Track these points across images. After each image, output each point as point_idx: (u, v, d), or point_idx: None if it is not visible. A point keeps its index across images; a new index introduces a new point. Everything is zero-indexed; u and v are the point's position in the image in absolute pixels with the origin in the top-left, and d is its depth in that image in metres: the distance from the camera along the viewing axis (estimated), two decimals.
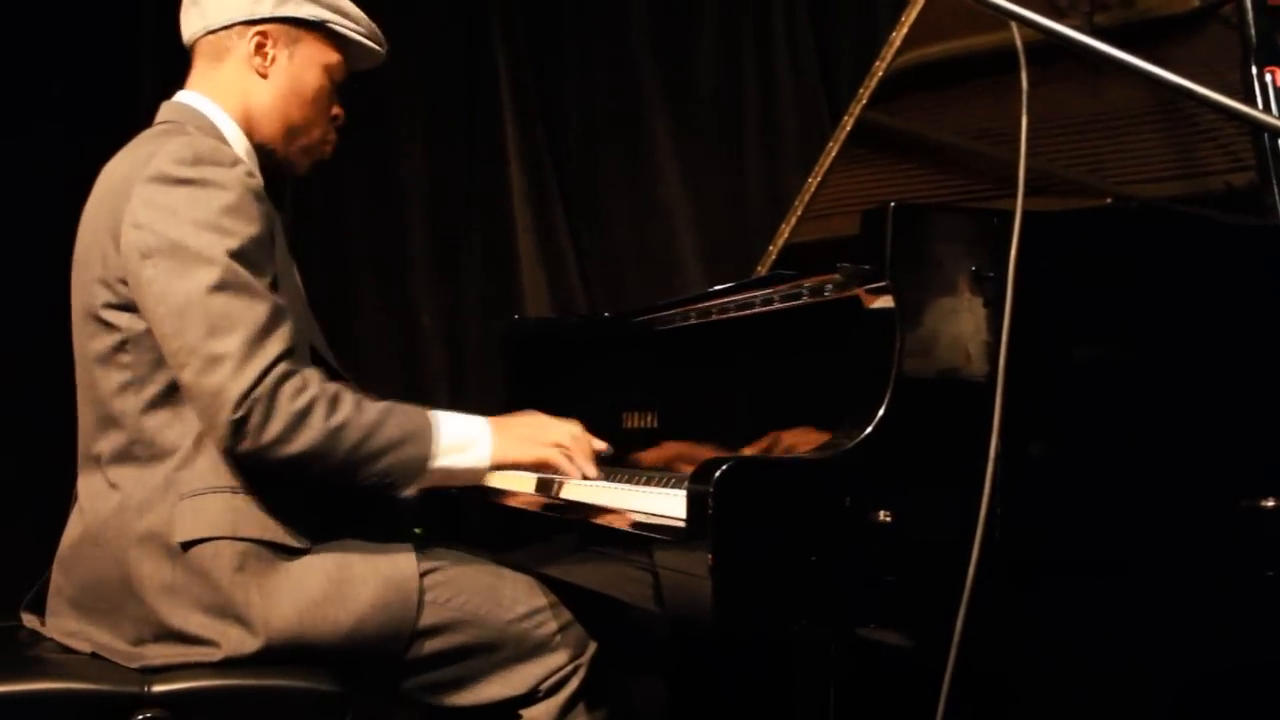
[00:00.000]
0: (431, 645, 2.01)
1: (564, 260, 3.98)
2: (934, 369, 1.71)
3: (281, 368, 1.88)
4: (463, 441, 2.03)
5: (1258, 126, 1.88)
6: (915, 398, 1.69)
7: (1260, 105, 1.98)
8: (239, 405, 1.85)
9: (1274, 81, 2.00)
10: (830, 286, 1.85)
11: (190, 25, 2.16)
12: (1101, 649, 1.76)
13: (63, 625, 2.01)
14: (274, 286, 1.97)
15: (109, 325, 1.97)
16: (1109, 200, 2.18)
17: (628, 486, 2.05)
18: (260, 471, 1.92)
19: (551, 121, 4.03)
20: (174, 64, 2.22)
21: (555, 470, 2.12)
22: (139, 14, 3.83)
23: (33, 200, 3.48)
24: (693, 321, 2.23)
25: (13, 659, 1.96)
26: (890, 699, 2.07)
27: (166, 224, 1.91)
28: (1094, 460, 1.76)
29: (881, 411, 1.67)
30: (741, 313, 2.09)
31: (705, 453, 2.14)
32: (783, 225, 2.83)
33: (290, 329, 1.93)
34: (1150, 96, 2.10)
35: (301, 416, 1.88)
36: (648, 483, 2.03)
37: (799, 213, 2.78)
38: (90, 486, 2.01)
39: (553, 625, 2.08)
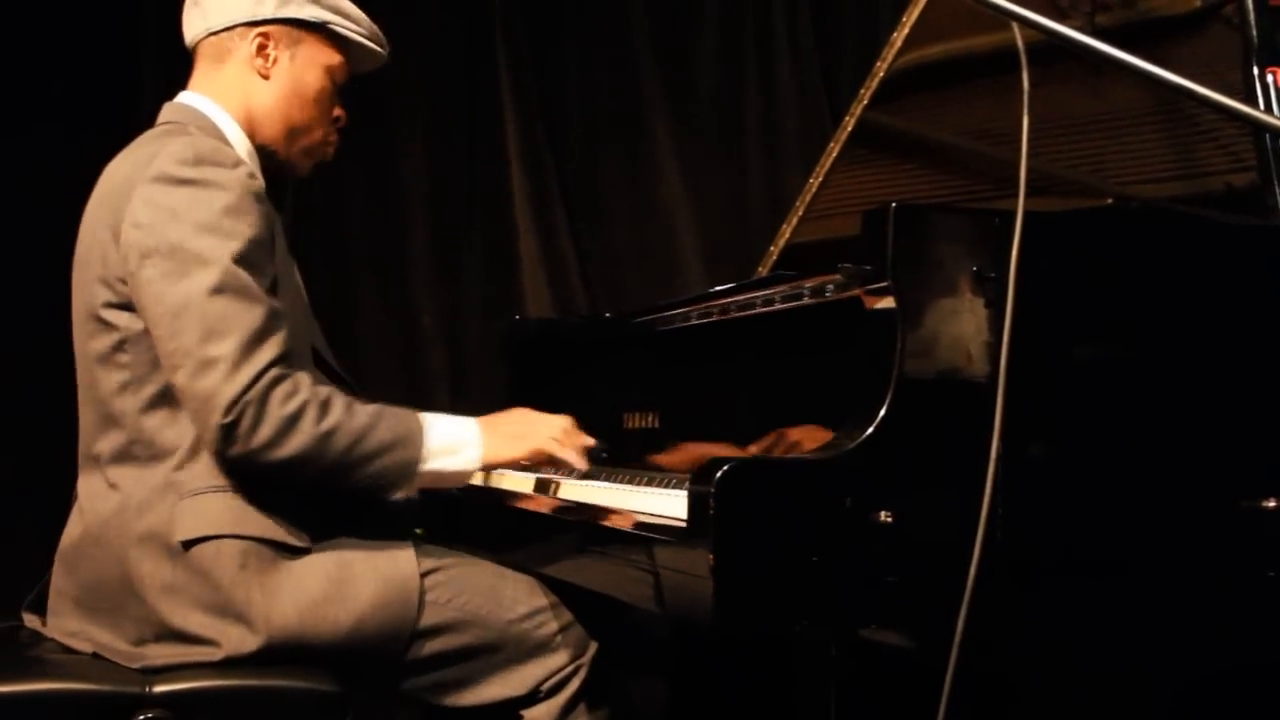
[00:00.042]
0: (432, 645, 2.01)
1: (565, 260, 3.98)
2: (935, 369, 1.71)
3: (274, 373, 1.88)
4: (452, 444, 2.03)
5: (1259, 127, 1.88)
6: (916, 398, 1.69)
7: (1261, 106, 1.98)
8: (229, 410, 1.85)
9: (1275, 82, 2.00)
10: (831, 287, 1.85)
11: (192, 26, 2.16)
12: (1102, 649, 1.76)
13: (64, 625, 2.01)
14: (273, 288, 1.97)
15: (108, 325, 1.97)
16: (1110, 201, 2.18)
17: (628, 487, 2.05)
18: (253, 474, 1.92)
19: (552, 121, 4.03)
20: (175, 64, 2.22)
21: (547, 462, 2.14)
22: (140, 14, 3.83)
23: (33, 200, 3.48)
24: (694, 322, 2.23)
25: (14, 659, 1.96)
26: (891, 699, 2.07)
27: (167, 225, 1.91)
28: (1095, 461, 1.77)
29: (883, 412, 1.67)
30: (742, 313, 2.09)
31: (723, 454, 2.13)
32: (784, 225, 2.83)
33: (285, 334, 1.93)
34: (1151, 97, 2.10)
35: (292, 421, 1.88)
36: (649, 483, 2.03)
37: (800, 213, 2.78)
38: (90, 486, 2.01)
39: (553, 625, 2.08)
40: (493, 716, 2.10)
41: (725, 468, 1.59)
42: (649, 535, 1.76)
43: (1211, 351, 1.84)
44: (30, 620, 2.09)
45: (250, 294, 1.90)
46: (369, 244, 4.03)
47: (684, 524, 1.66)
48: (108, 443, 1.98)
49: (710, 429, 2.20)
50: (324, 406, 1.92)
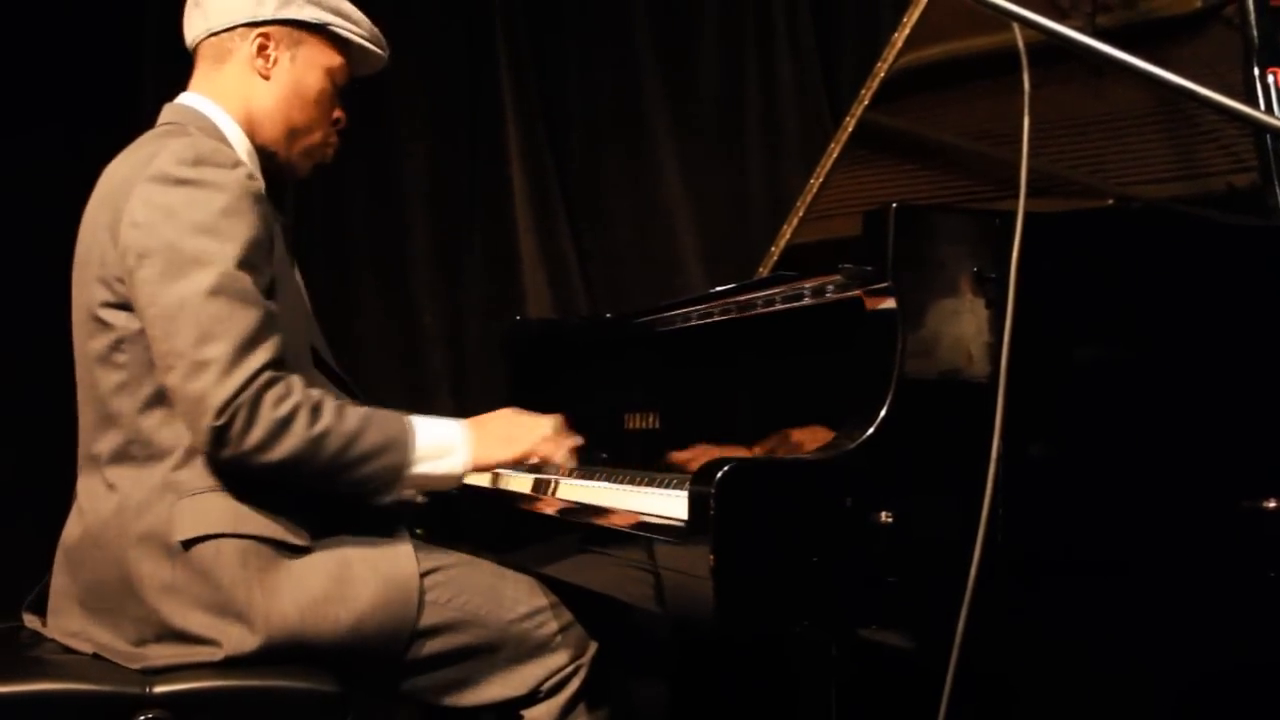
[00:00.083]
0: (432, 645, 2.01)
1: (565, 261, 3.98)
2: (936, 370, 1.71)
3: (266, 376, 1.88)
4: (441, 448, 2.04)
5: (1260, 127, 1.88)
6: (917, 399, 1.69)
7: (1262, 106, 1.98)
8: (221, 412, 1.85)
9: (1276, 82, 2.00)
10: (832, 287, 1.84)
11: (193, 27, 2.16)
12: (1103, 650, 1.76)
13: (64, 625, 2.01)
14: (270, 290, 1.97)
15: (106, 325, 1.97)
16: (1111, 201, 2.18)
17: (629, 487, 2.05)
18: (245, 476, 1.92)
19: (553, 121, 4.03)
20: (176, 65, 2.22)
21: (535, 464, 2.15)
22: (141, 14, 3.83)
23: (33, 200, 3.48)
24: (694, 322, 2.23)
25: (14, 659, 1.96)
26: (892, 700, 2.07)
27: (164, 225, 1.91)
28: (1096, 461, 1.77)
29: (883, 412, 1.67)
30: (743, 314, 2.09)
31: (724, 455, 2.13)
32: (784, 226, 2.83)
33: (279, 338, 1.93)
34: (1152, 97, 2.10)
35: (284, 424, 1.88)
36: (649, 484, 2.02)
37: (801, 213, 2.78)
38: (89, 487, 2.01)
39: (554, 625, 2.09)
40: (493, 716, 2.10)
41: (726, 468, 1.59)
42: (649, 535, 1.76)
43: (1212, 352, 1.84)
44: (30, 621, 2.09)
45: (246, 296, 1.90)
46: (370, 244, 4.03)
47: (684, 524, 1.66)
48: (106, 443, 1.98)
49: (711, 429, 2.20)
50: (315, 410, 1.92)
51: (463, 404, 3.78)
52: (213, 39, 2.13)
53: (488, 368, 3.87)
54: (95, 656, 1.94)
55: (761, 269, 2.86)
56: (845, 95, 3.46)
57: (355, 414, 1.97)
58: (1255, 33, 2.01)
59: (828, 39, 3.86)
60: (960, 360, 1.72)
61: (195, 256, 1.89)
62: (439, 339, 4.02)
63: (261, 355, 1.89)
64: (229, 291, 1.89)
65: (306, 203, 3.80)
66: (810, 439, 1.90)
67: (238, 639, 1.91)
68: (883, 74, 2.61)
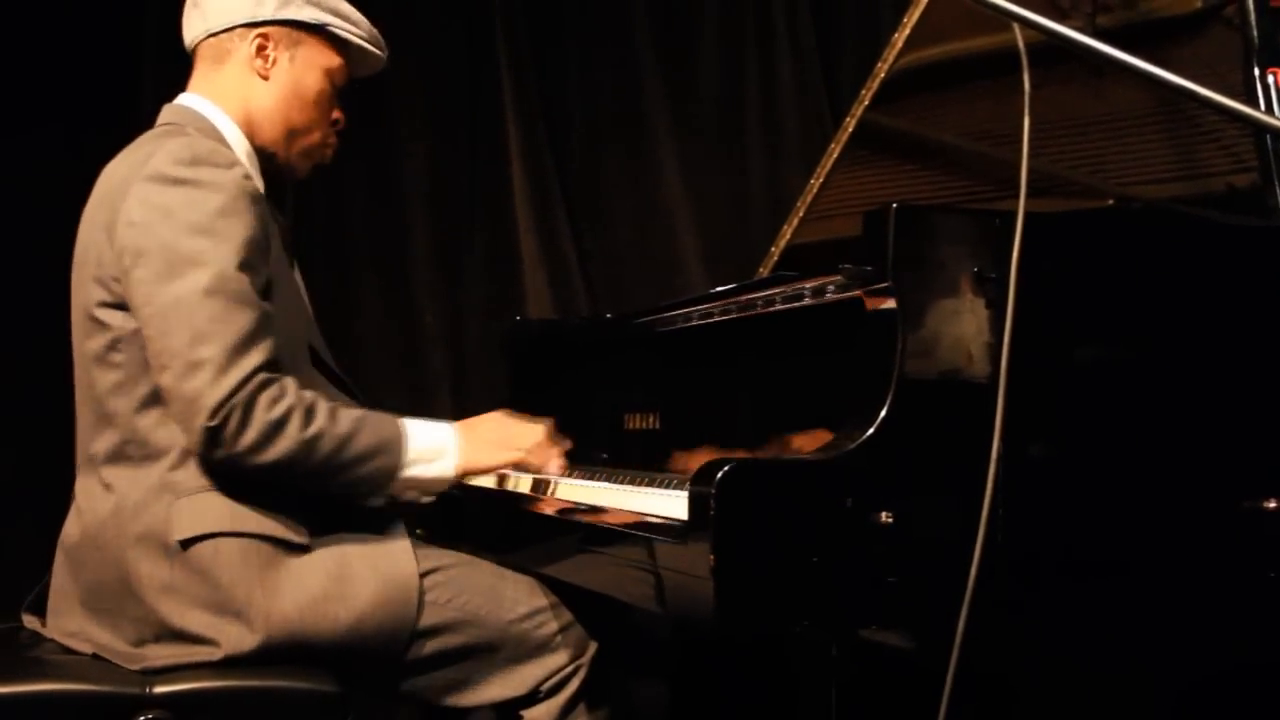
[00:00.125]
0: (432, 645, 2.01)
1: (566, 261, 3.98)
2: (936, 370, 1.71)
3: (261, 377, 1.88)
4: (432, 451, 2.05)
5: (1260, 128, 1.88)
6: (917, 399, 1.69)
7: (1262, 106, 1.98)
8: (215, 413, 1.85)
9: (1276, 83, 2.00)
10: (832, 288, 1.84)
11: (191, 28, 2.16)
12: (1104, 650, 1.76)
13: (64, 625, 2.01)
14: (267, 291, 1.97)
15: (103, 324, 1.97)
16: (1111, 201, 2.18)
17: (629, 487, 2.05)
18: (237, 477, 1.92)
19: (553, 122, 4.03)
20: (176, 65, 2.22)
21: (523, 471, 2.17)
22: (141, 15, 3.83)
23: (33, 200, 3.48)
24: (695, 323, 2.23)
25: (14, 660, 1.96)
26: (892, 700, 2.07)
27: (160, 225, 1.91)
28: (1096, 462, 1.77)
29: (883, 413, 1.67)
30: (743, 314, 2.09)
31: (724, 455, 2.13)
32: (785, 226, 2.83)
33: (274, 339, 1.93)
34: (1152, 98, 2.10)
35: (277, 426, 1.88)
36: (649, 484, 2.03)
37: (801, 214, 2.78)
38: (87, 487, 2.01)
39: (553, 626, 2.09)
40: (493, 716, 2.10)
41: (726, 468, 1.59)
42: (650, 535, 1.76)
43: (1212, 352, 1.84)
44: (30, 621, 2.09)
45: (241, 297, 1.90)
46: (370, 244, 4.03)
47: (685, 524, 1.66)
48: (103, 443, 1.98)
49: (711, 430, 2.20)
50: (309, 412, 1.92)
51: (463, 404, 3.78)
52: (211, 40, 2.13)
53: (488, 368, 3.87)
54: (95, 657, 1.94)
55: (761, 269, 2.86)
56: (845, 95, 3.46)
57: (348, 416, 1.97)
58: (1255, 33, 2.01)
59: (828, 39, 3.86)
60: (960, 360, 1.72)
61: (191, 256, 1.89)
62: (439, 339, 4.02)
63: (256, 356, 1.89)
64: (224, 292, 1.89)
65: (306, 203, 3.79)
66: (809, 439, 1.90)
67: (236, 638, 1.91)
68: (883, 74, 2.61)
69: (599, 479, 2.16)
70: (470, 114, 4.04)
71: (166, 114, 2.13)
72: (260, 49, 2.12)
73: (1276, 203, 1.93)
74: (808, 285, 1.92)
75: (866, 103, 2.63)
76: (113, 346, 1.96)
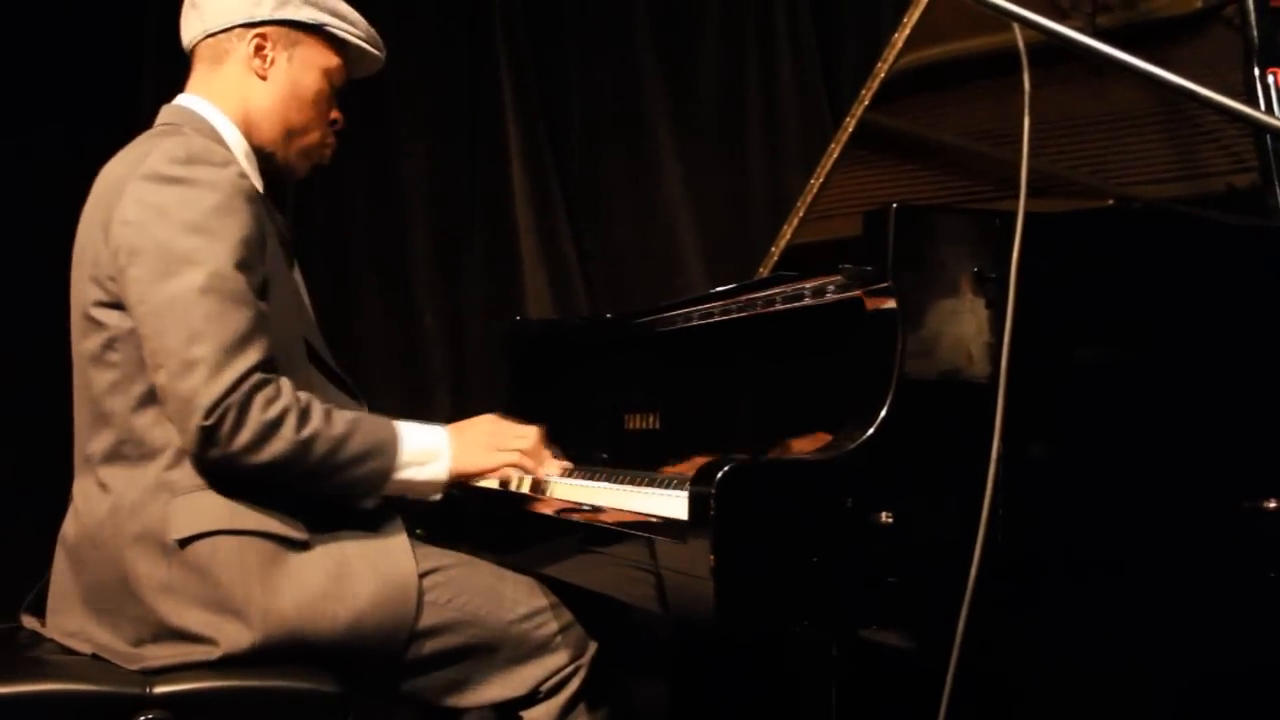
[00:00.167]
0: (432, 646, 2.01)
1: (566, 261, 3.98)
2: (936, 370, 1.71)
3: (256, 377, 1.88)
4: (425, 454, 2.05)
5: (1260, 128, 1.88)
6: (917, 399, 1.69)
7: (1262, 106, 1.98)
8: (210, 412, 1.85)
9: (1276, 83, 2.00)
10: (832, 288, 1.84)
11: (190, 29, 2.16)
12: (1103, 650, 1.76)
13: (64, 625, 2.00)
14: (263, 290, 1.97)
15: (99, 324, 1.97)
16: (1111, 201, 2.18)
17: (629, 488, 2.05)
18: (230, 476, 1.92)
19: (553, 121, 4.03)
20: (176, 65, 2.22)
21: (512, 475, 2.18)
22: (141, 14, 3.83)
23: (33, 200, 3.48)
24: (695, 323, 2.23)
25: (14, 660, 1.96)
26: (892, 700, 2.07)
27: (155, 224, 1.91)
28: (1096, 462, 1.76)
29: (883, 413, 1.67)
30: (743, 314, 2.09)
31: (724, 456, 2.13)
32: (785, 226, 2.83)
33: (270, 338, 1.93)
34: (1152, 98, 2.10)
35: (272, 427, 1.88)
36: (650, 484, 2.03)
37: (801, 214, 2.78)
38: (84, 488, 2.01)
39: (553, 626, 2.09)
40: (492, 716, 2.10)
41: (726, 468, 1.59)
42: (650, 535, 1.76)
43: (1212, 352, 1.84)
44: (29, 622, 2.09)
45: (236, 296, 1.90)
46: (370, 244, 4.03)
47: (685, 524, 1.66)
48: (100, 443, 1.98)
49: (711, 430, 2.20)
50: (304, 413, 1.92)
51: (463, 404, 3.78)
52: (210, 40, 2.13)
53: (488, 368, 3.87)
54: (94, 657, 1.94)
55: (762, 269, 2.86)
56: (845, 95, 3.46)
57: (342, 418, 1.97)
58: (1255, 33, 2.01)
59: (828, 39, 3.86)
60: (960, 360, 1.72)
61: (186, 255, 1.89)
62: (439, 339, 4.02)
63: (251, 356, 1.89)
64: (219, 291, 1.89)
65: (306, 203, 3.79)
66: (809, 439, 1.90)
67: (234, 636, 1.90)
68: (883, 74, 2.61)
69: (599, 479, 2.16)
70: (470, 114, 4.04)
71: (165, 114, 2.13)
72: (258, 49, 2.12)
73: (1276, 203, 1.93)
74: (808, 285, 1.92)
75: (866, 103, 2.63)
76: (109, 346, 1.96)
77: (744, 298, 2.08)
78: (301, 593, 1.93)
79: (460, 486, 2.16)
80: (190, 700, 1.86)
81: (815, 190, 2.74)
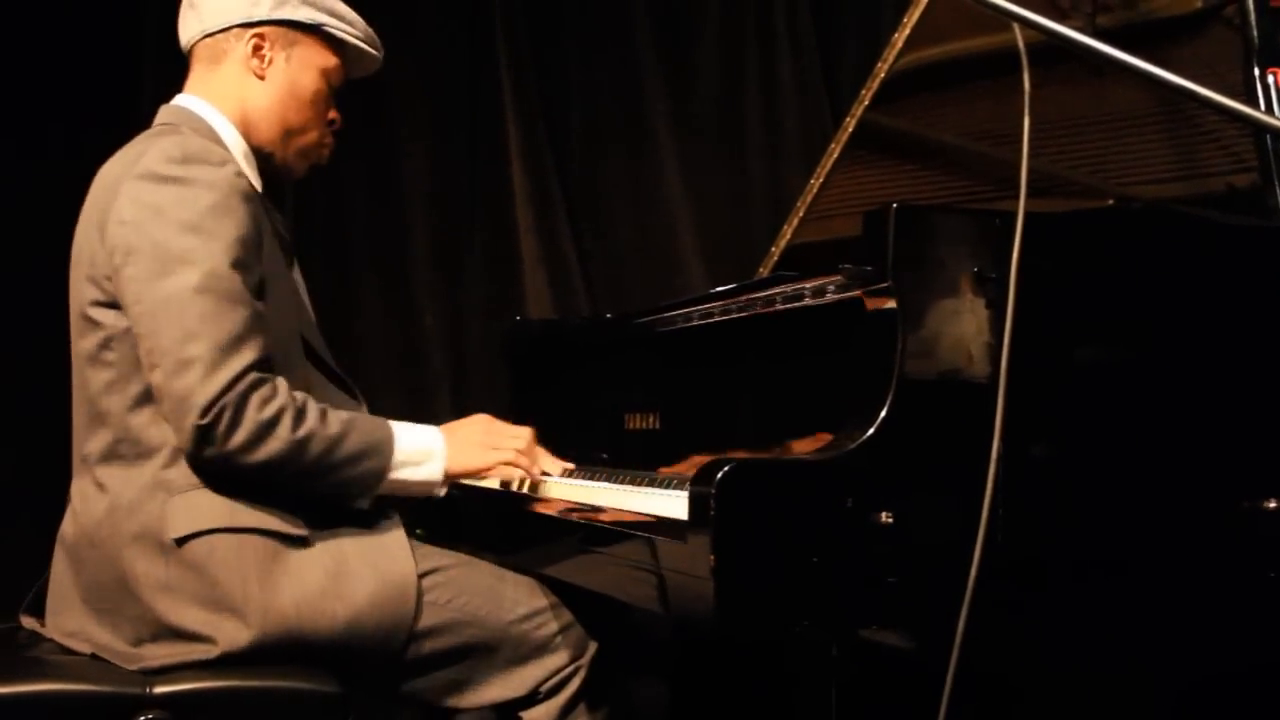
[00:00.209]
0: (431, 646, 2.01)
1: (566, 261, 3.98)
2: (936, 370, 1.71)
3: (252, 376, 1.88)
4: (419, 454, 2.05)
5: (1260, 128, 1.88)
6: (917, 399, 1.69)
7: (1262, 106, 1.98)
8: (206, 411, 1.85)
9: (1276, 83, 2.00)
10: (832, 288, 1.84)
11: (187, 29, 2.16)
12: (1104, 650, 1.76)
13: (64, 625, 2.00)
14: (260, 289, 1.97)
15: (95, 323, 1.97)
16: (1111, 201, 2.18)
17: (629, 488, 2.05)
18: (225, 476, 1.92)
19: (553, 122, 4.03)
20: (176, 65, 2.22)
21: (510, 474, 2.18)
22: (141, 14, 3.83)
23: (33, 200, 3.48)
24: (695, 323, 2.23)
25: (15, 660, 1.96)
26: (892, 700, 2.07)
27: (151, 223, 1.91)
28: (1096, 462, 1.76)
29: (883, 413, 1.67)
30: (743, 314, 2.09)
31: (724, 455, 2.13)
32: (785, 226, 2.83)
33: (266, 338, 1.93)
34: (1152, 98, 2.10)
35: (268, 426, 1.88)
36: (650, 484, 2.03)
37: (801, 214, 2.78)
38: (81, 488, 2.02)
39: (553, 626, 2.09)
40: (492, 717, 2.10)
41: (726, 468, 1.59)
42: (650, 536, 1.76)
43: (1212, 352, 1.84)
44: (28, 622, 2.09)
45: (232, 295, 1.90)
46: (370, 244, 4.03)
47: (685, 524, 1.65)
48: (96, 443, 1.98)
49: (711, 430, 2.20)
50: (300, 413, 1.92)
51: (462, 404, 3.78)
52: (208, 40, 2.13)
53: (488, 368, 3.87)
54: (93, 657, 1.94)
55: (762, 269, 2.86)
56: (845, 95, 3.46)
57: (338, 418, 1.97)
58: (1255, 33, 2.01)
59: (828, 39, 3.86)
60: (960, 360, 1.72)
61: (182, 254, 1.89)
62: (439, 339, 4.02)
63: (247, 355, 1.89)
64: (215, 290, 1.89)
65: (306, 203, 3.79)
66: (810, 439, 1.90)
67: (232, 634, 1.90)
68: (883, 74, 2.61)
69: (599, 479, 2.16)
70: (470, 114, 4.04)
71: (163, 114, 2.13)
72: (256, 49, 2.12)
73: (1276, 203, 1.93)
74: (808, 285, 1.92)
75: (866, 103, 2.63)
76: (105, 345, 1.96)
77: (744, 298, 2.08)
78: (301, 590, 1.93)
79: (460, 486, 2.16)
80: (190, 700, 1.86)
81: (815, 190, 2.74)
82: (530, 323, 3.23)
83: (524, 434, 2.19)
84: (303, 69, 2.14)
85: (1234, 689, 1.91)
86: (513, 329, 2.99)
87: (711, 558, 1.58)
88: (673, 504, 1.79)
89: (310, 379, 2.08)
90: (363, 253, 4.02)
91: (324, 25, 2.14)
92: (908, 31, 2.56)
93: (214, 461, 1.89)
